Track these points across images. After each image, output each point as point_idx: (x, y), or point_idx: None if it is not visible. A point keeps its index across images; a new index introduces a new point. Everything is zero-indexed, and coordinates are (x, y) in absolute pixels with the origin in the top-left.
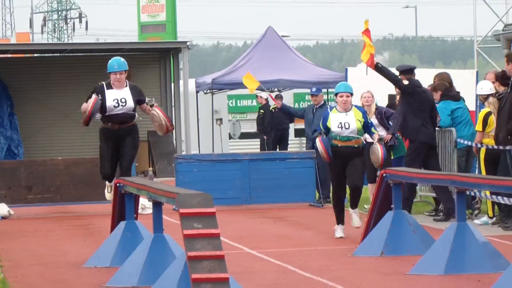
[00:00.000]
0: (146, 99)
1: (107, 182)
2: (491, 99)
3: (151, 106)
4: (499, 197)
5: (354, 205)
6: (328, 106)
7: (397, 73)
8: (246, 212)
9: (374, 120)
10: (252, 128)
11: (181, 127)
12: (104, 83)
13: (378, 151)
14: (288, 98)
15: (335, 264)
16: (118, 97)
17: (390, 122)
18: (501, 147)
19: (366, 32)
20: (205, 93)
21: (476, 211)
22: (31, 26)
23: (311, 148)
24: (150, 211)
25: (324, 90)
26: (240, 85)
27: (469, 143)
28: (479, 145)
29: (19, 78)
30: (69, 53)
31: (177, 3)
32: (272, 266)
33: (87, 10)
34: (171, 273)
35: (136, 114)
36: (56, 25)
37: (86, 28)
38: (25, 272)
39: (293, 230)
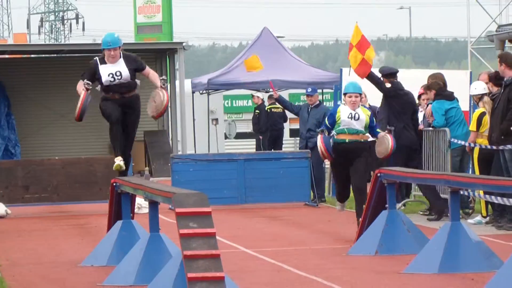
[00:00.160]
0: (161, 78)
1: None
2: (486, 98)
3: (163, 86)
4: (493, 197)
5: (360, 211)
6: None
7: (380, 75)
8: (241, 211)
9: None
10: (248, 128)
11: (177, 127)
12: (97, 58)
13: (388, 141)
14: None
15: (330, 263)
16: (113, 71)
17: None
18: (494, 147)
19: (363, 41)
20: (201, 94)
21: (470, 211)
22: (28, 27)
23: (305, 147)
24: (146, 210)
25: (319, 91)
26: (236, 85)
27: (463, 143)
28: (472, 145)
29: (16, 78)
30: (66, 53)
31: (173, 4)
32: (268, 265)
33: (84, 11)
34: (167, 272)
35: (137, 82)
36: (53, 26)
37: (83, 29)
38: (23, 271)
39: (288, 230)
